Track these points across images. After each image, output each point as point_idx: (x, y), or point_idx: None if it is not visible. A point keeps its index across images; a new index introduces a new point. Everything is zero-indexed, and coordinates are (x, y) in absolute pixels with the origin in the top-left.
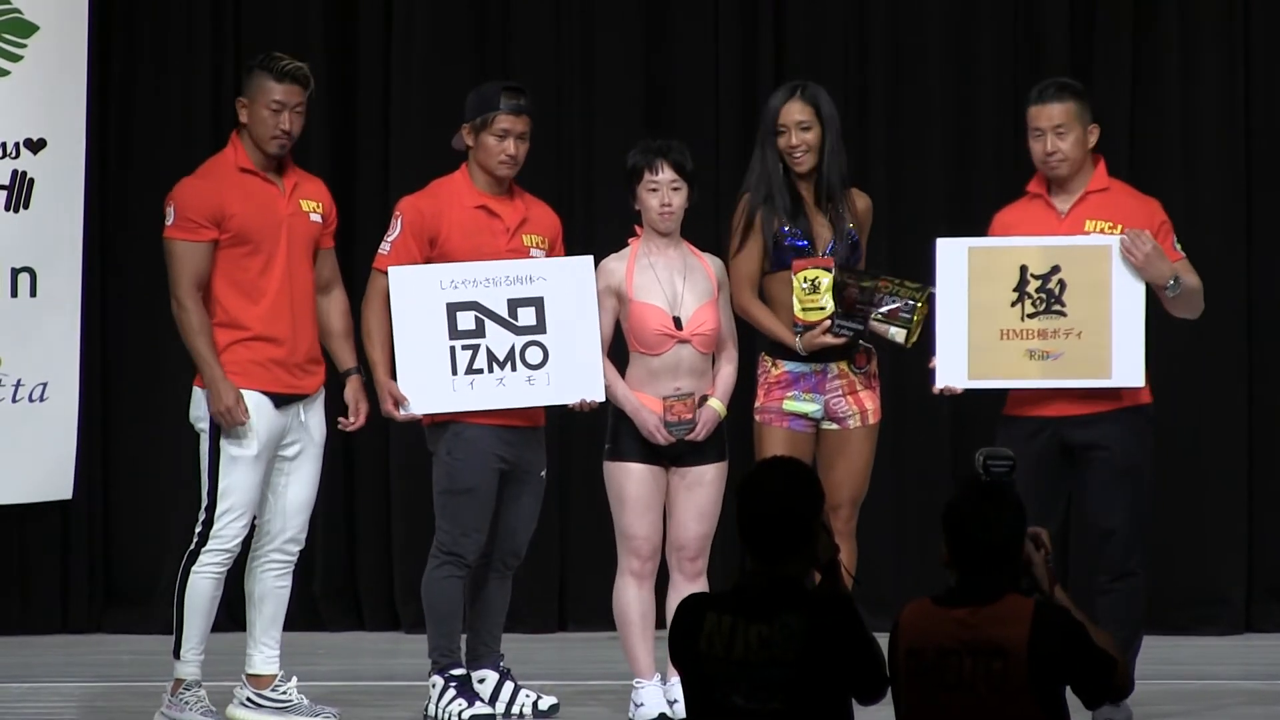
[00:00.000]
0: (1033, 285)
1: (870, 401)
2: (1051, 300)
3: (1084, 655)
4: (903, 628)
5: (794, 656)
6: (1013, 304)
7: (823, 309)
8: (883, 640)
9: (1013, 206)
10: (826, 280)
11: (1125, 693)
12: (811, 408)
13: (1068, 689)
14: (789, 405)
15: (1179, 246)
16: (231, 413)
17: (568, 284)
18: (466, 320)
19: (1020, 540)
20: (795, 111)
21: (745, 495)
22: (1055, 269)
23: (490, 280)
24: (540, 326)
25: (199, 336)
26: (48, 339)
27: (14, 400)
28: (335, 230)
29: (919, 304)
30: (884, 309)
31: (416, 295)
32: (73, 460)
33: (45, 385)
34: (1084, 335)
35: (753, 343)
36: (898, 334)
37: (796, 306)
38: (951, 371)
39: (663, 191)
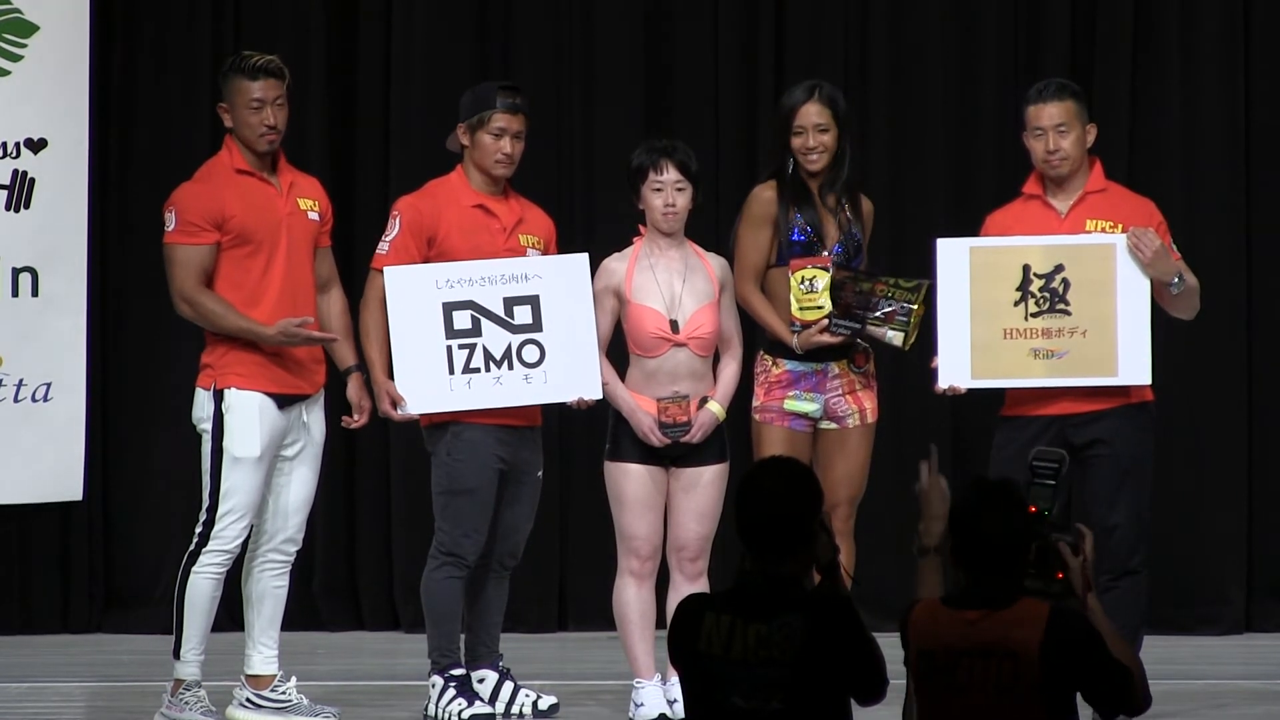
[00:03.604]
0: (1036, 284)
1: (869, 401)
2: (1055, 299)
3: (1097, 663)
4: (912, 628)
5: (792, 656)
6: (1015, 303)
7: (820, 308)
8: (886, 640)
9: (1008, 208)
10: (824, 280)
11: (1143, 708)
12: (811, 407)
13: (1080, 697)
14: (790, 405)
15: (1174, 247)
16: (293, 332)
17: (563, 282)
18: (463, 319)
19: (1027, 542)
20: (813, 113)
21: (744, 496)
22: (1059, 268)
23: (486, 279)
24: (536, 325)
25: (227, 316)
26: (50, 339)
27: (16, 400)
28: (332, 229)
29: (915, 305)
30: (880, 312)
31: (412, 295)
32: (81, 461)
33: (49, 386)
34: (1089, 334)
35: (759, 343)
36: (895, 337)
37: (794, 305)
38: (955, 371)
39: (667, 192)
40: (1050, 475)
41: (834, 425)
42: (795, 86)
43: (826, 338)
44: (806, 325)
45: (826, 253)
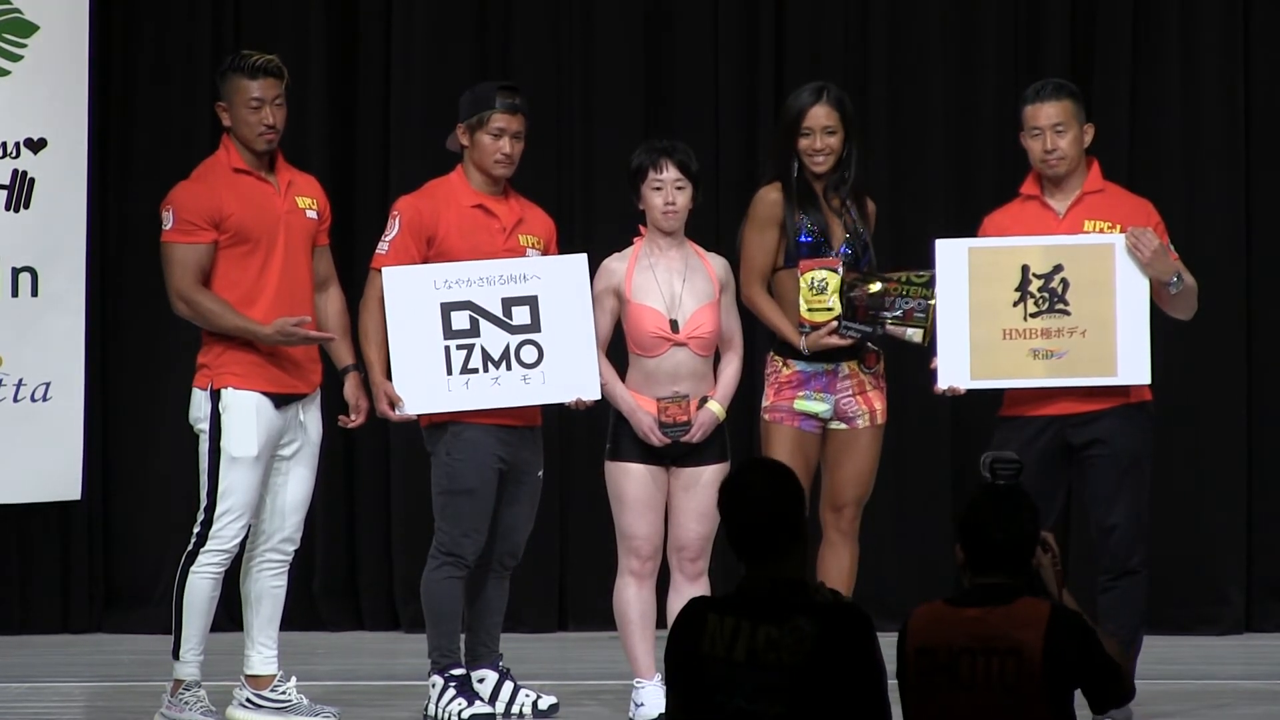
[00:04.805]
0: (1035, 285)
1: (878, 402)
2: (1054, 299)
3: (1096, 661)
4: (912, 628)
5: (801, 660)
6: (1014, 304)
7: (829, 310)
8: (887, 640)
9: (1005, 208)
10: (834, 281)
11: (1129, 698)
12: (822, 408)
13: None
14: (800, 405)
15: (1172, 247)
16: (290, 331)
17: (561, 282)
18: (461, 320)
19: (1034, 543)
20: (821, 115)
21: (731, 504)
22: (1058, 268)
23: (484, 279)
24: (535, 325)
25: (225, 315)
26: (50, 339)
27: (15, 400)
28: (330, 227)
29: (931, 300)
30: (897, 311)
31: (410, 295)
32: (80, 461)
33: (48, 385)
34: (1088, 334)
35: (760, 342)
36: (915, 334)
37: (803, 306)
38: (954, 372)
39: (667, 190)
40: (1013, 476)
41: (843, 426)
42: (802, 89)
43: (835, 340)
44: (815, 327)
45: (834, 254)
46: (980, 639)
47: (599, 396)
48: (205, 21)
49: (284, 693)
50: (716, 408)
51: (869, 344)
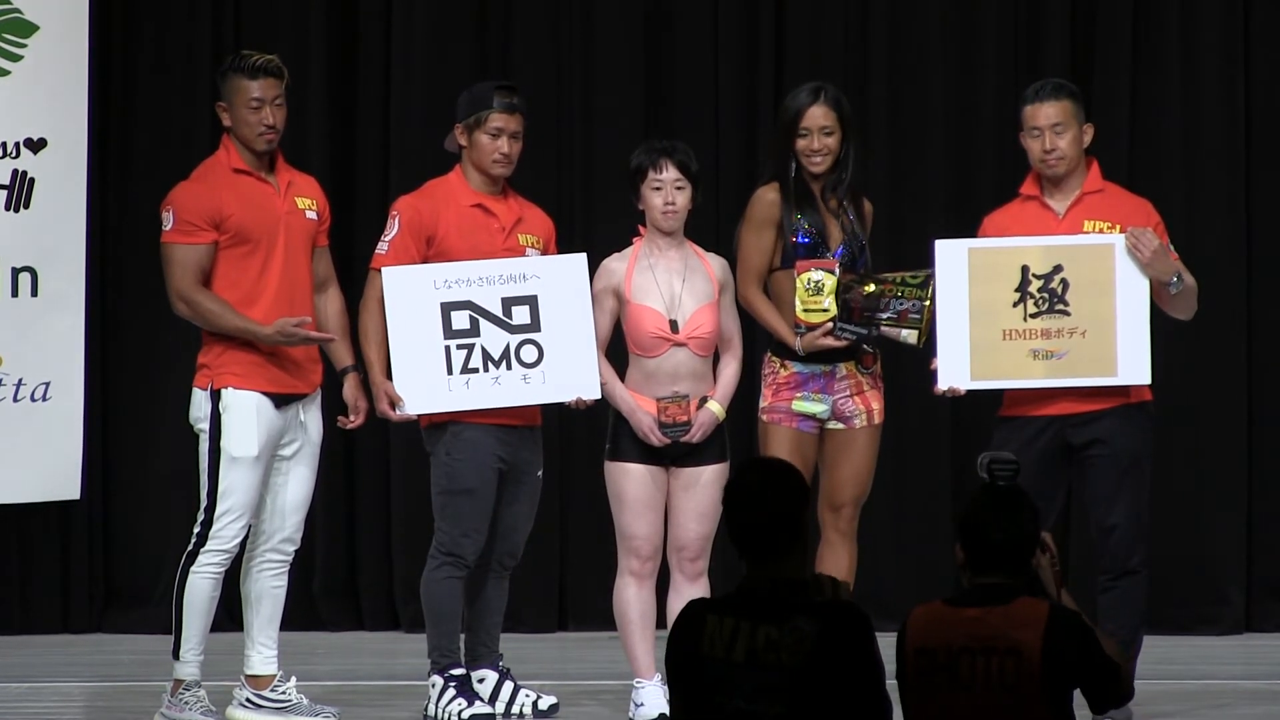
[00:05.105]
0: (1035, 285)
1: (876, 402)
2: (1054, 300)
3: (1095, 661)
4: (910, 629)
5: (801, 661)
6: (1014, 304)
7: (825, 310)
8: (885, 641)
9: (1005, 208)
10: (830, 282)
11: (1127, 699)
12: (820, 408)
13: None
14: (798, 406)
15: (1172, 247)
16: (291, 331)
17: (561, 282)
18: (461, 319)
19: (1034, 543)
20: (819, 116)
21: (733, 503)
22: (1058, 268)
23: (484, 279)
24: (535, 325)
25: (225, 315)
26: (49, 339)
27: (15, 400)
28: (330, 228)
29: (926, 301)
30: (892, 312)
31: (410, 295)
32: (79, 460)
33: (48, 385)
34: (1089, 334)
35: (759, 342)
36: (910, 335)
37: (798, 307)
38: (954, 372)
39: (666, 190)
40: (1010, 477)
41: (841, 426)
42: (799, 89)
43: (830, 341)
44: (811, 327)
45: (831, 255)
46: (979, 639)
47: (599, 396)
48: (205, 21)
49: (284, 693)
50: (716, 408)
51: (865, 345)
